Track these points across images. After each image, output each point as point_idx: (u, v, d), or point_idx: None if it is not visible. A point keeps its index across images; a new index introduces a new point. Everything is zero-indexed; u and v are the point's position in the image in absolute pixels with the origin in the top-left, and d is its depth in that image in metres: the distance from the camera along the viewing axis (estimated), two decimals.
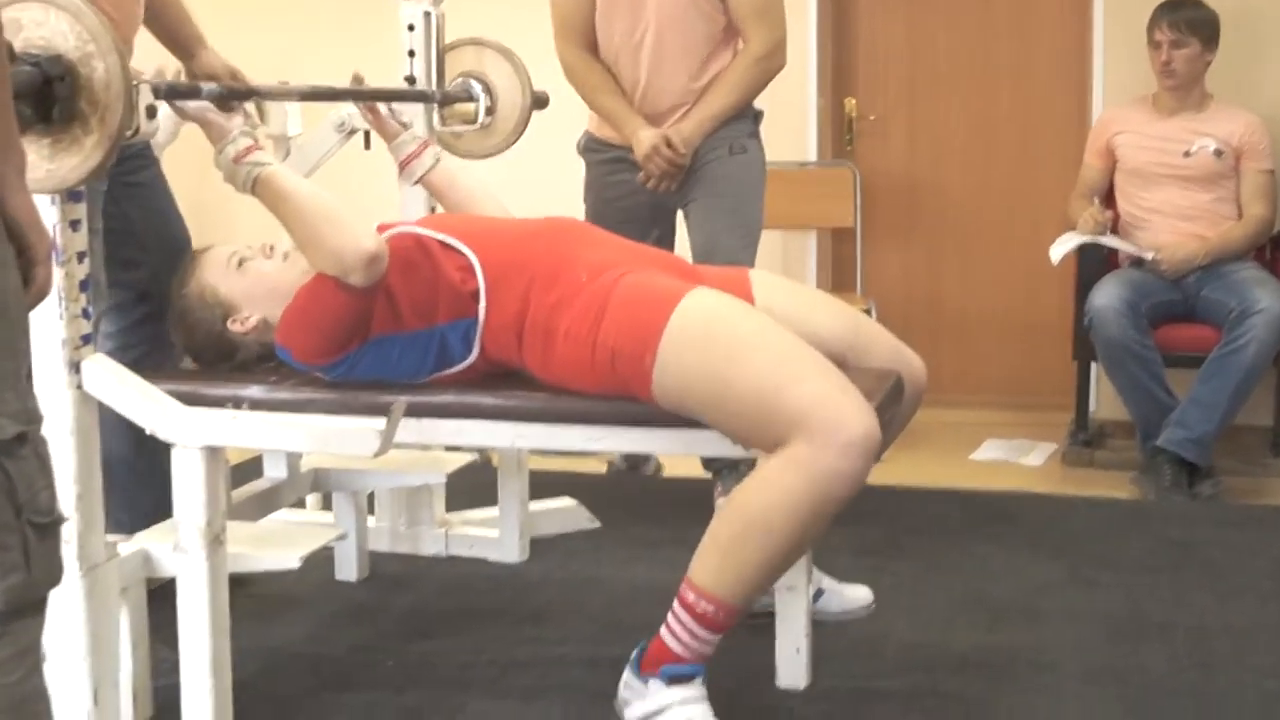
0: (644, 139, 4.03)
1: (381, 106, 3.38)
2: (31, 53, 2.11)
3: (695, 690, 2.57)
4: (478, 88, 3.72)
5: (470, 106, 3.73)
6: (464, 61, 3.75)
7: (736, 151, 4.06)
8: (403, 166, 3.38)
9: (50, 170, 2.18)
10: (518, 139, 3.79)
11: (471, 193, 3.33)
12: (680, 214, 4.20)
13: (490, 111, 3.74)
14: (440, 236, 2.88)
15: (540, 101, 3.84)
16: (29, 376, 1.76)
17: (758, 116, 4.16)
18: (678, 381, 2.58)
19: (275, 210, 2.77)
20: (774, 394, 2.47)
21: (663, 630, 2.58)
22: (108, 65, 2.15)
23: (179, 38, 3.28)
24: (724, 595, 2.51)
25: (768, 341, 2.57)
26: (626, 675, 2.64)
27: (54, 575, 1.77)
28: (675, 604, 2.56)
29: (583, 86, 4.16)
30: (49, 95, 2.12)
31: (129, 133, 2.24)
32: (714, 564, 2.51)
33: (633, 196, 4.11)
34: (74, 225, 2.37)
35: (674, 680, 2.56)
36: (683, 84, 4.07)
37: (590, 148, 4.28)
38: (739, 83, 4.04)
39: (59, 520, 1.78)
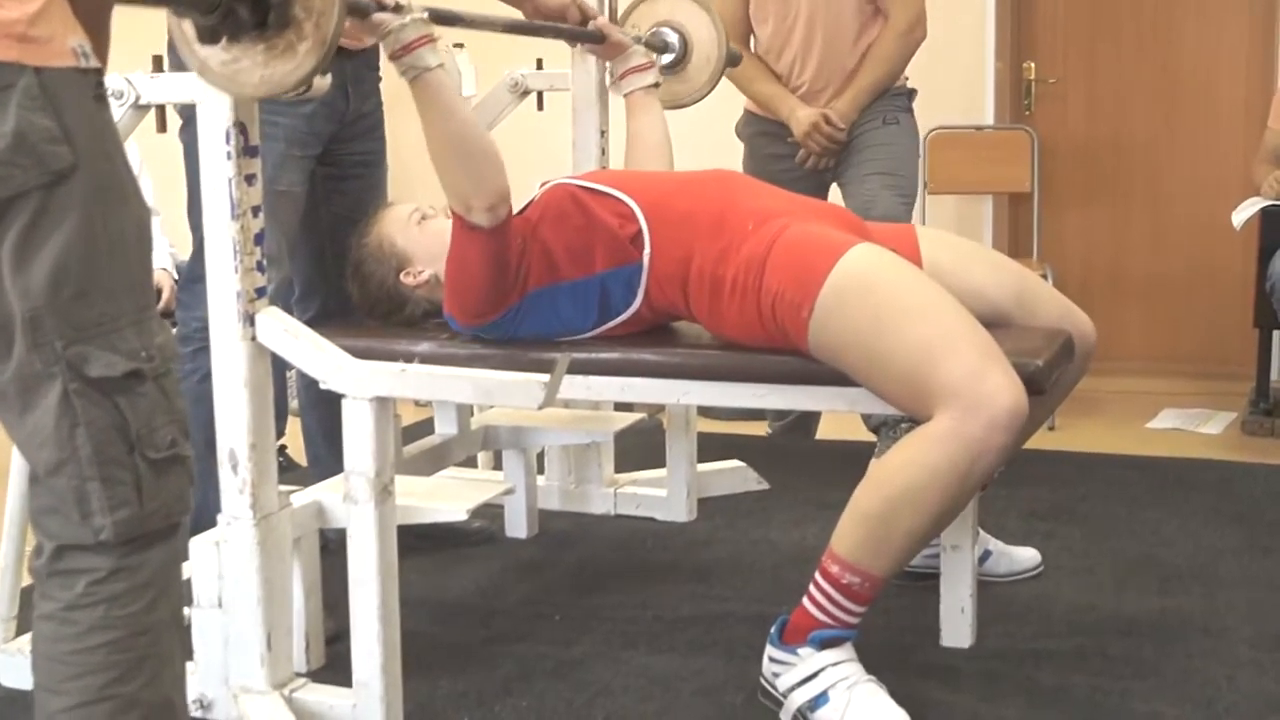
0: (802, 118, 4.24)
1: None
2: None
3: (847, 652, 2.54)
4: (673, 36, 3.72)
5: (664, 56, 3.73)
6: (658, 11, 3.76)
7: (890, 122, 4.24)
8: (623, 76, 3.48)
9: (264, 76, 2.14)
10: (710, 90, 3.75)
11: (659, 127, 3.42)
12: (836, 187, 4.35)
13: (682, 60, 3.73)
14: (595, 185, 2.90)
15: (734, 58, 3.84)
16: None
17: (911, 94, 4.35)
18: (833, 337, 2.57)
19: (424, 118, 2.69)
20: (925, 365, 2.45)
21: (805, 602, 2.55)
22: None
23: None
24: (870, 568, 2.48)
25: (925, 307, 2.53)
26: (770, 650, 2.60)
27: (171, 509, 1.79)
28: (818, 576, 2.53)
29: (738, 79, 4.31)
30: (264, 1, 2.06)
31: None
32: (860, 538, 2.48)
33: (789, 172, 4.23)
34: (249, 180, 2.41)
35: (825, 644, 2.53)
36: (835, 64, 4.26)
37: (749, 124, 4.49)
38: (885, 57, 4.22)
39: (179, 456, 1.80)
